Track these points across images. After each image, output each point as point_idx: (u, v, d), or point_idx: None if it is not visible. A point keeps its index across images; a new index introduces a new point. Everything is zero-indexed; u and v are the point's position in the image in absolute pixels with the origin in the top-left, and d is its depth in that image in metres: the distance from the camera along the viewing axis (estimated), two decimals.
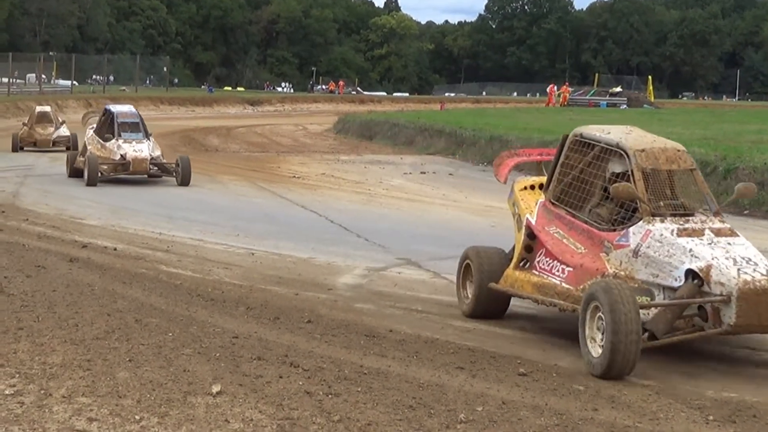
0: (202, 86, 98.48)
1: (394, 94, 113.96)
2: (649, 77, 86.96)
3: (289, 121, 52.24)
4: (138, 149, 20.12)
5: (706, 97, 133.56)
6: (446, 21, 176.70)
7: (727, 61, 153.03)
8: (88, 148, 20.52)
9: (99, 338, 7.32)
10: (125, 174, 20.01)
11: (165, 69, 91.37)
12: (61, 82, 71.34)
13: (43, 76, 66.33)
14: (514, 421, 5.78)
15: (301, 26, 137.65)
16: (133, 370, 6.50)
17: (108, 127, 20.82)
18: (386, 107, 73.34)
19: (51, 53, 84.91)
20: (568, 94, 70.47)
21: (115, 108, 21.48)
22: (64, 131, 29.13)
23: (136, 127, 20.76)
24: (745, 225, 16.14)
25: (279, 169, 24.61)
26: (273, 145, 34.44)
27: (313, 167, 25.18)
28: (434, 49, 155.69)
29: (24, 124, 29.75)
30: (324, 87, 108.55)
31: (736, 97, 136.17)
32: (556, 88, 74.82)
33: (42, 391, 6.02)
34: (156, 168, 20.40)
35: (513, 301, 8.76)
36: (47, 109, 31.17)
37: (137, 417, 5.60)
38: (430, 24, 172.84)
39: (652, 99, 77.09)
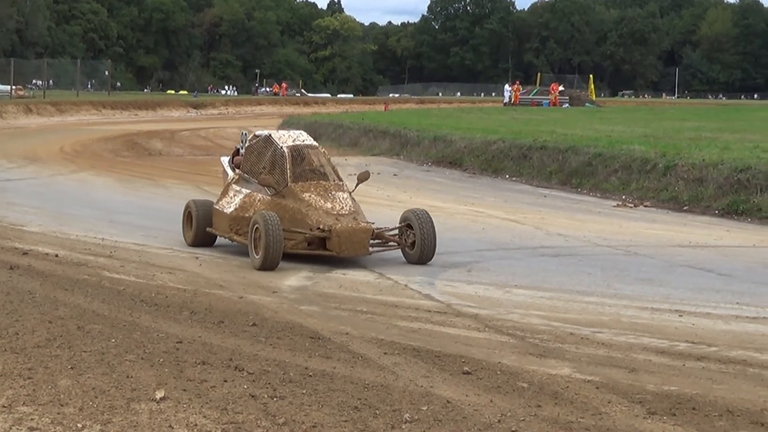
0: (193, 94, 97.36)
1: (339, 95, 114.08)
2: (591, 76, 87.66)
3: (233, 124, 51.98)
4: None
5: (646, 95, 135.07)
6: (389, 22, 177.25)
7: (666, 60, 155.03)
8: (236, 193, 12.61)
9: (40, 346, 7.24)
10: (325, 253, 11.56)
11: (107, 73, 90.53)
12: (0, 87, 70.39)
13: None
14: (458, 419, 5.81)
15: (244, 29, 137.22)
16: (75, 378, 6.44)
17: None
18: (330, 109, 73.30)
19: None
20: (519, 93, 70.64)
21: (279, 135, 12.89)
22: None
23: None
24: (684, 221, 16.37)
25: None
26: (217, 149, 34.24)
27: None
28: (378, 50, 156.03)
29: None
30: (268, 89, 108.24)
31: (675, 95, 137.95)
32: (514, 85, 74.89)
33: None
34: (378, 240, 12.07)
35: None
36: None
37: (79, 425, 5.56)
38: (373, 25, 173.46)
39: (594, 98, 77.80)
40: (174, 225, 14.75)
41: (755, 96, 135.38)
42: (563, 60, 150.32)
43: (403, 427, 5.66)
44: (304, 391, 6.27)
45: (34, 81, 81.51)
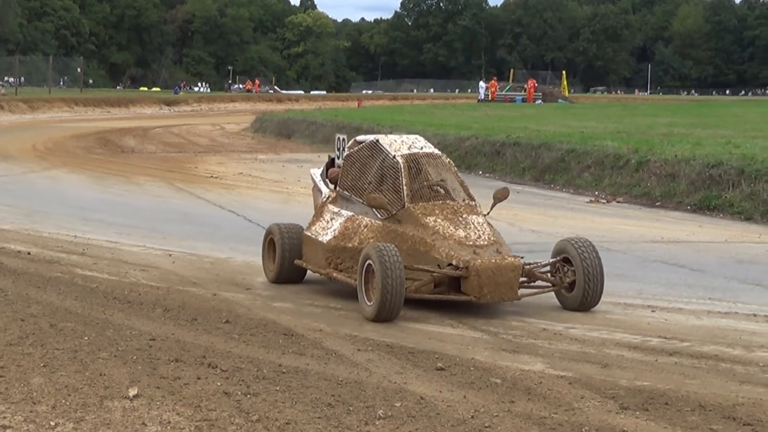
0: (179, 90, 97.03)
1: (312, 92, 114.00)
2: (564, 72, 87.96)
3: (206, 121, 51.90)
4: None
5: (618, 91, 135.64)
6: (362, 19, 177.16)
7: (639, 56, 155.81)
8: (334, 216, 9.96)
9: (12, 344, 7.20)
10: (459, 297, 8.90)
11: (79, 70, 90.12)
12: None
13: None
14: (432, 415, 5.82)
15: (216, 25, 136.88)
16: (48, 376, 6.41)
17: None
18: (304, 106, 73.22)
19: None
20: (495, 90, 70.75)
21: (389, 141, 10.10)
22: None
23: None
24: (657, 216, 16.45)
25: (196, 170, 24.44)
26: (190, 146, 34.17)
27: (231, 167, 25.05)
28: (351, 46, 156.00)
29: None
30: (241, 86, 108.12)
31: (648, 91, 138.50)
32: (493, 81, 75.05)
33: None
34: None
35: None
36: None
37: (52, 423, 5.53)
38: (346, 22, 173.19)
39: (567, 94, 78.03)
40: (147, 222, 14.70)
41: (727, 92, 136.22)
42: (536, 56, 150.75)
43: (377, 423, 5.67)
44: (277, 388, 6.26)
45: (5, 78, 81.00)
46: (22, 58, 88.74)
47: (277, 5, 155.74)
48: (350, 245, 9.30)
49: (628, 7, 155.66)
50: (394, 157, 9.38)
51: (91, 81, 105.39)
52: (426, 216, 9.04)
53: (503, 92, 71.60)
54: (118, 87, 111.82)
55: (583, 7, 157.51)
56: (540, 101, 66.96)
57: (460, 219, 9.09)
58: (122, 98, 72.29)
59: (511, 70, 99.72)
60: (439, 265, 8.69)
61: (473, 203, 9.37)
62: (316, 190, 10.77)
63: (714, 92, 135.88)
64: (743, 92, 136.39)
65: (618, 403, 6.12)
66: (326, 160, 11.18)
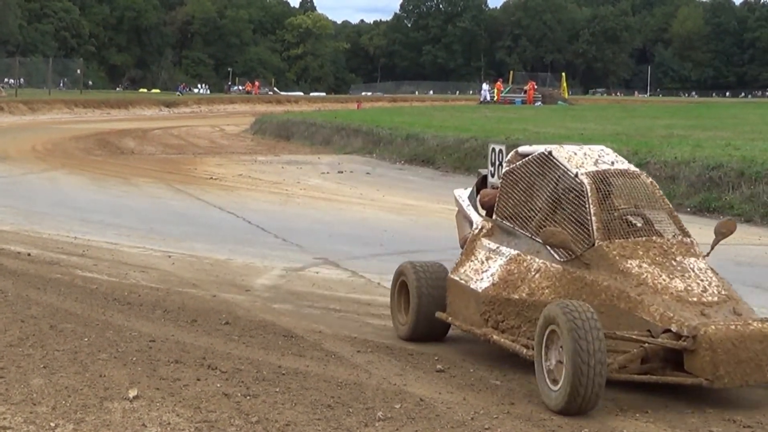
0: (178, 92, 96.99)
1: (311, 93, 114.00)
2: (563, 74, 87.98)
3: (205, 123, 51.88)
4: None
5: (618, 93, 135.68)
6: (362, 20, 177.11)
7: (638, 58, 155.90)
8: (490, 254, 7.62)
9: (12, 345, 7.20)
10: (681, 380, 6.28)
11: (78, 71, 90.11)
12: None
13: None
14: (431, 417, 5.82)
15: (216, 27, 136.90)
16: (48, 377, 6.41)
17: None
18: (303, 107, 73.21)
19: None
20: (499, 92, 70.84)
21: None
22: None
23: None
24: None
25: (196, 171, 24.43)
26: (189, 147, 34.16)
27: (230, 168, 25.05)
28: (350, 48, 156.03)
29: None
30: (240, 88, 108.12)
31: (647, 93, 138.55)
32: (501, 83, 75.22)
33: None
34: None
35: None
36: None
37: (52, 424, 5.53)
38: (345, 23, 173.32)
39: (566, 95, 78.02)
40: (147, 223, 14.69)
41: (727, 94, 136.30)
42: (535, 58, 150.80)
43: (377, 425, 5.67)
44: (277, 390, 6.27)
45: (5, 79, 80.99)
46: (22, 59, 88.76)
47: (276, 7, 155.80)
48: (516, 296, 6.97)
49: (628, 9, 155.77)
50: (576, 175, 6.99)
51: (90, 82, 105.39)
52: (626, 259, 6.62)
53: (503, 94, 71.65)
54: (117, 89, 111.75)
55: (583, 9, 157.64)
56: (539, 103, 66.96)
57: (674, 263, 6.67)
58: (122, 100, 72.28)
59: (511, 72, 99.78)
60: (650, 332, 6.23)
61: (689, 240, 6.91)
62: (462, 217, 8.45)
63: (714, 94, 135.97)
64: (743, 94, 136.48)
65: (618, 405, 6.12)
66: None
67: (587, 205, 6.80)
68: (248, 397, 6.08)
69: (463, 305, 7.47)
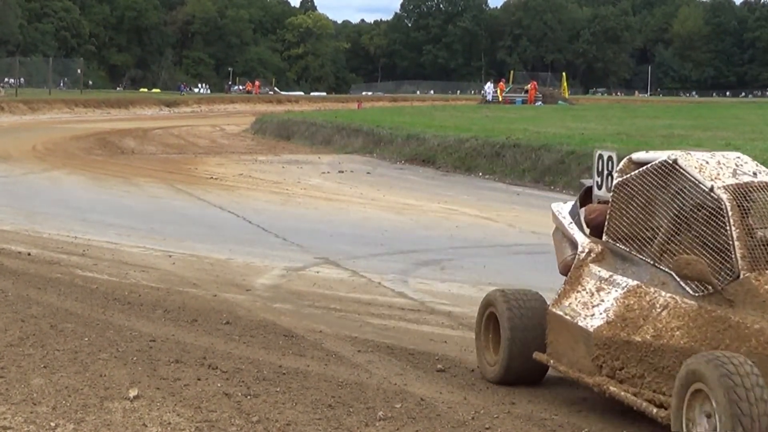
0: (182, 92, 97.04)
1: (312, 93, 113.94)
2: (564, 74, 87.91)
3: (206, 122, 51.84)
4: None
5: (618, 93, 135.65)
6: (362, 20, 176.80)
7: (639, 58, 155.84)
8: (602, 284, 6.27)
9: (13, 345, 7.20)
10: None
11: (79, 71, 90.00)
12: None
13: None
14: (432, 417, 5.82)
15: (216, 27, 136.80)
16: (48, 377, 6.41)
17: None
18: (304, 107, 73.17)
19: None
20: (503, 92, 70.80)
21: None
22: None
23: None
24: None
25: (196, 171, 24.43)
26: (190, 147, 34.13)
27: (231, 168, 25.04)
28: (351, 48, 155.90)
29: None
30: (241, 87, 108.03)
31: (648, 93, 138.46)
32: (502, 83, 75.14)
33: None
34: None
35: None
36: None
37: (53, 424, 5.53)
38: (346, 23, 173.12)
39: (567, 95, 77.95)
40: (147, 223, 14.69)
41: (727, 94, 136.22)
42: (536, 58, 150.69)
43: (377, 424, 5.67)
44: (277, 389, 6.27)
45: (6, 79, 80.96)
46: (22, 59, 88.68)
47: (276, 6, 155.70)
48: (638, 339, 5.70)
49: (628, 9, 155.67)
50: (711, 189, 5.74)
51: (90, 82, 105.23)
52: None
53: (504, 93, 71.58)
54: (118, 88, 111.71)
55: (583, 9, 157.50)
56: (540, 103, 66.90)
57: None
58: (122, 99, 72.23)
59: (511, 72, 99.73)
60: None
61: None
62: (562, 236, 6.94)
63: (714, 94, 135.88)
64: (743, 94, 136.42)
65: (619, 405, 6.12)
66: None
67: (727, 227, 5.55)
68: (249, 397, 6.08)
69: (568, 346, 6.23)
